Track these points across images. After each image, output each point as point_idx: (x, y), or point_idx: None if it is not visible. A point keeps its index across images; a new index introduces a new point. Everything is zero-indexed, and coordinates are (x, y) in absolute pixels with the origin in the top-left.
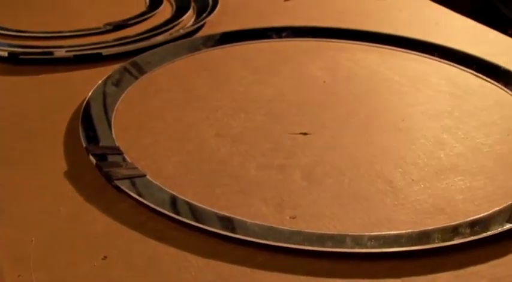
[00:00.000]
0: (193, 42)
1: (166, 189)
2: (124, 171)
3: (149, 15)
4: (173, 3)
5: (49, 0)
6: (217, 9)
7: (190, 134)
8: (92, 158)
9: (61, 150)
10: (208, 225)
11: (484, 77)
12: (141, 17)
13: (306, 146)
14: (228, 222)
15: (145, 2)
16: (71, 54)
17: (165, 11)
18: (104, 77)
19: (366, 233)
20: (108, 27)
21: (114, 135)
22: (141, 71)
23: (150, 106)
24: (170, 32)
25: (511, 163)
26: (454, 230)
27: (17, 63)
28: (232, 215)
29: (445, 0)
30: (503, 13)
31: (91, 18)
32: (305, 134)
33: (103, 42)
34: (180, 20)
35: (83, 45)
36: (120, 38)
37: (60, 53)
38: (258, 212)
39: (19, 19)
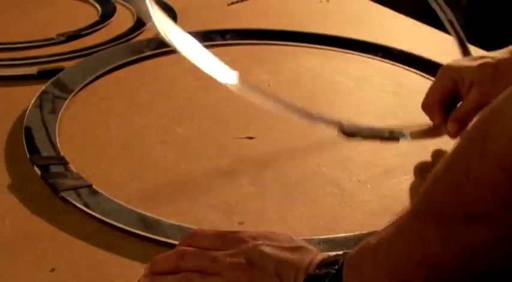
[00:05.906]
0: (135, 46)
1: (113, 198)
2: (70, 182)
3: (103, 25)
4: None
5: None
6: None
7: (135, 141)
8: (36, 169)
9: (4, 163)
10: (156, 234)
11: (428, 76)
12: (94, 26)
13: (252, 150)
14: (176, 230)
15: (98, 11)
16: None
17: (118, 20)
18: (45, 86)
19: (315, 237)
20: (61, 38)
21: (58, 145)
22: (84, 79)
23: (94, 114)
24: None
25: None
26: None
27: None
28: (180, 223)
29: (388, 2)
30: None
31: (40, 28)
32: (251, 138)
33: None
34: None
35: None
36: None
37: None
38: (206, 218)
39: None
